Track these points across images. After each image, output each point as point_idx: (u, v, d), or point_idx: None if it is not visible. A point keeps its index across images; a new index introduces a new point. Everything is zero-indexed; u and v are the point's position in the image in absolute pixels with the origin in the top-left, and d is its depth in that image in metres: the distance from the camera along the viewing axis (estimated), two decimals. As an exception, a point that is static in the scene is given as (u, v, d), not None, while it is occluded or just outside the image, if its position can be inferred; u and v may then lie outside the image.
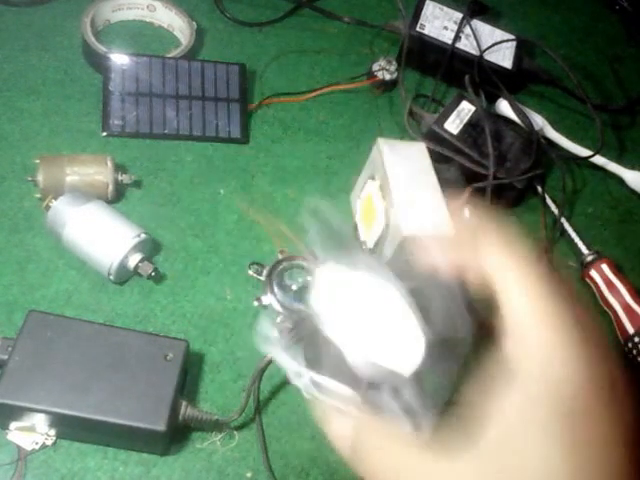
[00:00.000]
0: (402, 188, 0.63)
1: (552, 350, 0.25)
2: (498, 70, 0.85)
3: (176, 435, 0.53)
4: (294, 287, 0.28)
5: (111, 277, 0.60)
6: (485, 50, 0.85)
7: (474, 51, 0.85)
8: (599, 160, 0.83)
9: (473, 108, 0.76)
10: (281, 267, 0.28)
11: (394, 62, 0.84)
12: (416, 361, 0.26)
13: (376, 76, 0.84)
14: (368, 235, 0.66)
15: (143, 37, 0.84)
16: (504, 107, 0.83)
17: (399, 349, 0.27)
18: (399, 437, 0.27)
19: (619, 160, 0.84)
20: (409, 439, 0.27)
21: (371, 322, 0.27)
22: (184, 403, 0.52)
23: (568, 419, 0.24)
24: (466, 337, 0.27)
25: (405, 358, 0.27)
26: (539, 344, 0.25)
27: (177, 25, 0.84)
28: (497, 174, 0.72)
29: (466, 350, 0.27)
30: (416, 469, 0.26)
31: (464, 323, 0.27)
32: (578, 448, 0.23)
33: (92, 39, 0.76)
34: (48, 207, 0.61)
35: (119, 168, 0.66)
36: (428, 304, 0.28)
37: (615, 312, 0.68)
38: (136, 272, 0.61)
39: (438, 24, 0.86)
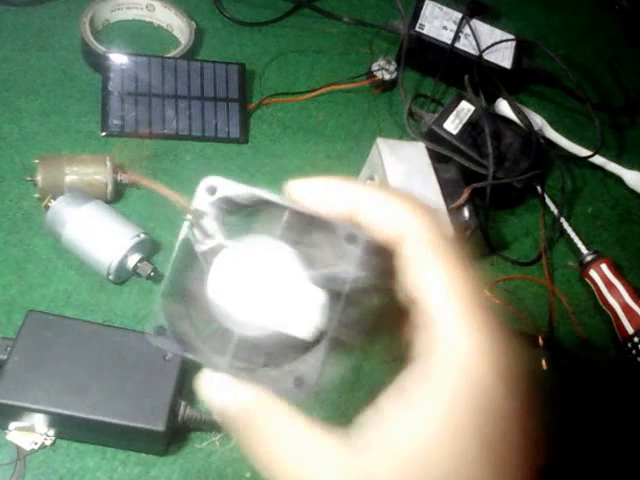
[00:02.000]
0: (401, 188, 0.63)
1: (469, 342, 0.22)
2: (497, 70, 0.85)
3: (175, 435, 0.53)
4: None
5: (110, 277, 0.60)
6: (484, 50, 0.84)
7: (473, 51, 0.85)
8: (598, 160, 0.83)
9: (472, 108, 0.76)
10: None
11: (393, 62, 0.84)
12: (315, 320, 0.24)
13: (375, 76, 0.83)
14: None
15: (142, 37, 0.83)
16: (503, 107, 0.83)
17: (294, 311, 0.24)
18: (295, 420, 0.24)
19: (618, 160, 0.84)
20: (306, 422, 0.23)
21: (261, 291, 0.25)
22: (183, 403, 0.52)
23: (489, 420, 0.22)
24: (358, 281, 0.24)
25: (302, 318, 0.24)
26: (454, 335, 0.22)
27: (176, 25, 0.84)
28: (496, 174, 0.71)
29: (363, 298, 0.25)
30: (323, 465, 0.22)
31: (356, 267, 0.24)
32: (497, 452, 0.22)
33: (91, 39, 0.76)
34: (47, 207, 0.61)
35: (118, 168, 0.66)
36: (315, 252, 0.26)
37: (614, 312, 0.68)
38: (135, 272, 0.61)
39: (437, 24, 0.86)
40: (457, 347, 0.22)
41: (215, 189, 0.27)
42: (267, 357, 0.26)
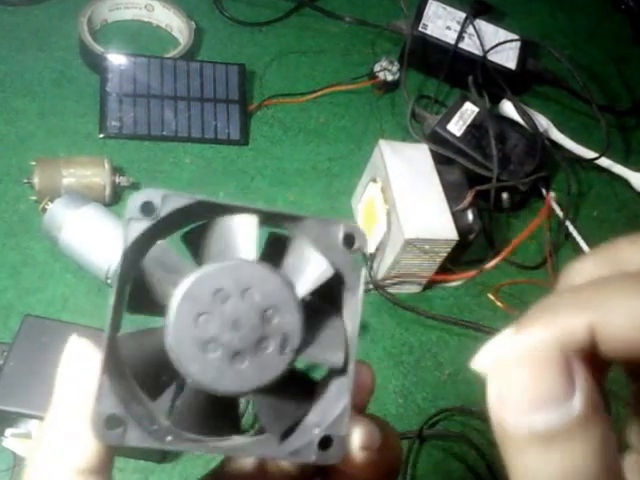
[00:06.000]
0: (404, 190, 0.63)
1: None
2: (502, 71, 0.84)
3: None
4: None
5: (108, 281, 0.59)
6: (489, 50, 0.84)
7: (477, 51, 0.84)
8: (605, 162, 0.82)
9: (476, 109, 0.75)
10: None
11: (396, 62, 0.84)
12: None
13: (378, 77, 0.83)
14: (369, 238, 0.65)
15: (141, 37, 0.83)
16: (508, 108, 0.82)
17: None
18: None
19: (625, 162, 0.84)
20: None
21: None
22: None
23: None
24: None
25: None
26: None
27: (176, 25, 0.83)
28: (501, 176, 0.71)
29: None
30: None
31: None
32: None
33: (89, 39, 0.75)
34: (44, 210, 0.60)
35: (116, 170, 0.66)
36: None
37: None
38: (133, 276, 0.60)
39: (441, 24, 0.86)
40: None
41: (153, 206, 0.19)
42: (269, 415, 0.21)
